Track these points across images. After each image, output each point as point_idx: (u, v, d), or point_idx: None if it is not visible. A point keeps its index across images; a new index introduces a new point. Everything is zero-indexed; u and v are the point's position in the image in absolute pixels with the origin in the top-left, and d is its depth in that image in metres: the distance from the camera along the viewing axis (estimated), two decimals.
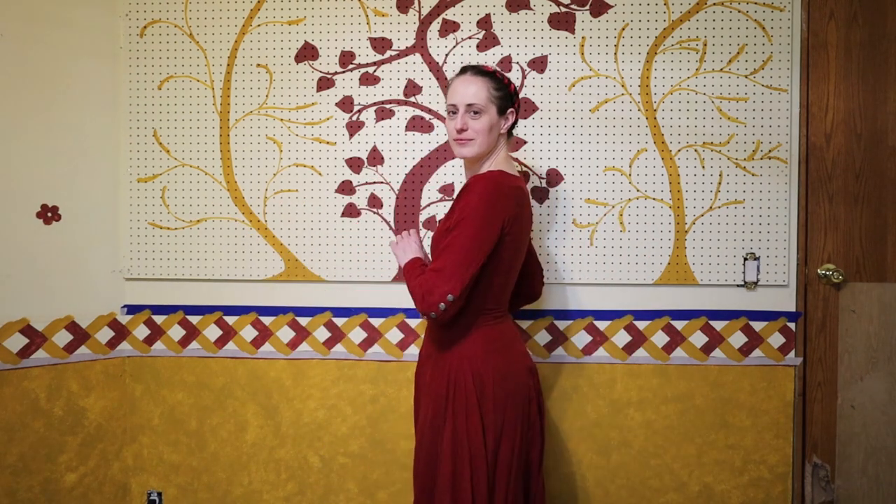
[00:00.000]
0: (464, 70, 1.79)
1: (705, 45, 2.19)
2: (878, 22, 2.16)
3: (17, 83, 2.15)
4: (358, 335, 2.31)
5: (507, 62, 2.23)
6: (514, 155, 2.24)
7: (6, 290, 2.17)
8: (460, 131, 1.73)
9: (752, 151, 2.19)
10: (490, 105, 1.74)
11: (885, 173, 2.18)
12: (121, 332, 2.36)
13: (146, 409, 2.38)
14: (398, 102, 2.27)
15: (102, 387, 2.33)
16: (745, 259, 2.20)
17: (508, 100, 1.78)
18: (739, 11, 2.17)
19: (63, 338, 2.26)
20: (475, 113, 1.73)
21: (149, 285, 2.36)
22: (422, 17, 2.25)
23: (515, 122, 1.83)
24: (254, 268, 2.32)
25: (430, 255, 1.84)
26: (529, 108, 2.23)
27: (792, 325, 2.22)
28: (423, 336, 2.05)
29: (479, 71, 1.76)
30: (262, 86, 2.30)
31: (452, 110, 1.76)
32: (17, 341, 2.19)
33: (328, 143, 2.29)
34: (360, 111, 2.28)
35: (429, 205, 2.27)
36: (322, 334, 2.32)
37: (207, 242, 2.33)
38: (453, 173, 2.26)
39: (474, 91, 1.73)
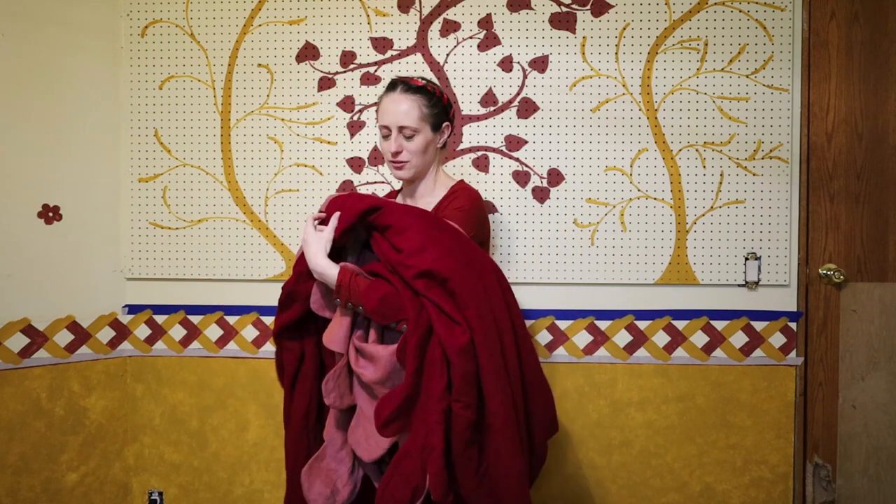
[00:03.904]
0: (393, 85, 1.70)
1: (706, 44, 2.19)
2: (880, 21, 2.16)
3: (18, 83, 2.15)
4: None
5: (508, 62, 2.23)
6: (516, 154, 2.24)
7: (7, 290, 2.17)
8: (395, 154, 1.69)
9: (753, 151, 2.19)
10: (424, 124, 1.68)
11: (886, 173, 2.18)
12: (122, 332, 2.36)
13: (147, 409, 2.38)
14: None
15: (103, 386, 2.33)
16: (746, 259, 2.20)
17: (443, 114, 1.73)
18: (740, 11, 2.17)
19: (64, 337, 2.26)
20: (409, 135, 1.68)
21: (150, 285, 2.37)
22: (423, 16, 2.25)
23: (451, 133, 1.80)
24: (255, 267, 2.32)
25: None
26: (530, 108, 2.23)
27: (793, 325, 2.22)
28: None
29: (408, 87, 1.68)
30: (263, 86, 2.30)
31: (385, 133, 1.71)
32: (18, 341, 2.19)
33: (329, 142, 2.29)
34: (361, 111, 2.28)
35: None
36: None
37: (208, 242, 2.33)
38: (454, 173, 2.26)
39: (406, 110, 1.66)
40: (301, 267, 1.61)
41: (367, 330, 1.60)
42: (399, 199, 1.89)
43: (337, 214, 1.57)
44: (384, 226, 1.56)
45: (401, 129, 1.67)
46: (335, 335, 1.57)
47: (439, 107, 1.72)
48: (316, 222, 1.61)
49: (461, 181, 1.82)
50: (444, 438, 1.46)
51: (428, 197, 1.78)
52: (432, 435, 1.46)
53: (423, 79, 1.74)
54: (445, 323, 1.48)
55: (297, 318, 1.65)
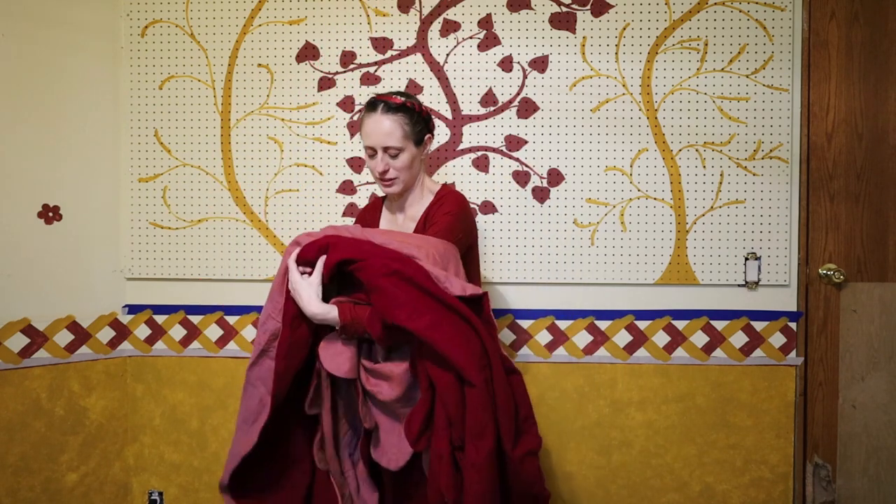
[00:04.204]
0: (373, 105, 1.72)
1: (706, 44, 2.19)
2: (880, 21, 2.16)
3: (18, 83, 2.15)
4: None
5: (507, 62, 2.23)
6: (516, 155, 2.24)
7: (7, 290, 2.17)
8: (383, 173, 1.73)
9: (753, 151, 2.19)
10: (407, 142, 1.71)
11: (886, 173, 2.18)
12: (122, 332, 2.36)
13: (147, 409, 2.38)
14: None
15: (103, 386, 2.33)
16: (747, 259, 2.20)
17: (425, 128, 1.76)
18: (740, 11, 2.17)
19: (64, 337, 2.26)
20: (394, 154, 1.71)
21: (150, 285, 2.37)
22: (423, 16, 2.25)
23: (432, 144, 1.84)
24: (255, 267, 2.32)
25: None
26: (530, 108, 2.23)
27: (793, 325, 2.22)
28: None
29: (389, 107, 1.70)
30: (263, 86, 2.30)
31: (371, 153, 1.73)
32: (18, 341, 2.19)
33: (329, 142, 2.29)
34: (360, 111, 2.28)
35: None
36: None
37: (208, 242, 2.33)
38: (454, 173, 2.26)
39: (388, 131, 1.69)
40: (291, 311, 1.55)
41: (371, 351, 1.60)
42: (385, 210, 1.91)
43: (322, 258, 1.55)
44: (358, 280, 1.56)
45: (386, 149, 1.70)
46: (346, 365, 1.56)
47: (421, 122, 1.74)
48: (300, 268, 1.58)
49: (445, 185, 1.85)
50: (450, 443, 1.48)
51: (416, 206, 1.82)
52: (440, 441, 1.47)
53: (401, 94, 1.75)
54: (430, 361, 1.51)
55: (301, 365, 1.60)
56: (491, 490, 1.47)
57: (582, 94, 2.22)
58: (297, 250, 1.57)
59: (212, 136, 2.32)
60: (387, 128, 1.69)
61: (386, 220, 1.89)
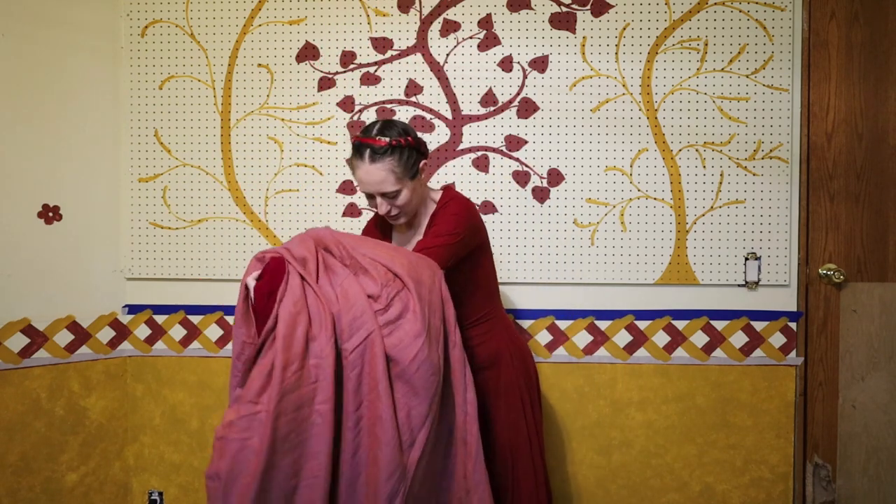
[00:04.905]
0: (359, 152, 1.66)
1: (706, 44, 2.19)
2: (880, 21, 2.16)
3: (18, 83, 2.15)
4: None
5: (507, 62, 2.23)
6: (516, 154, 2.24)
7: (7, 290, 2.17)
8: (387, 213, 1.72)
9: (753, 151, 2.19)
10: (403, 181, 1.67)
11: (886, 173, 2.18)
12: (122, 332, 2.36)
13: (147, 409, 2.38)
14: (399, 102, 2.27)
15: (103, 386, 2.33)
16: (747, 259, 2.20)
17: (417, 157, 1.71)
18: (740, 11, 2.17)
19: (64, 337, 2.26)
20: (393, 196, 1.68)
21: (150, 285, 2.37)
22: (423, 16, 2.25)
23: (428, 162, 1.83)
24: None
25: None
26: (530, 108, 2.23)
27: (793, 325, 2.22)
28: None
29: (375, 153, 1.64)
30: (263, 86, 2.30)
31: (369, 196, 1.72)
32: (18, 341, 2.19)
33: (329, 142, 2.29)
34: (361, 111, 2.28)
35: None
36: None
37: (208, 242, 2.33)
38: (454, 173, 2.26)
39: (381, 180, 1.65)
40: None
41: None
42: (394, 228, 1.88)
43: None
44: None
45: (384, 194, 1.68)
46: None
47: (412, 155, 1.69)
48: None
49: (447, 189, 1.83)
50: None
51: (423, 218, 1.82)
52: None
53: (384, 131, 1.67)
54: None
55: None
56: None
57: (582, 94, 2.22)
58: (257, 271, 1.50)
59: (212, 136, 2.32)
60: (378, 178, 1.65)
61: (396, 241, 1.89)
